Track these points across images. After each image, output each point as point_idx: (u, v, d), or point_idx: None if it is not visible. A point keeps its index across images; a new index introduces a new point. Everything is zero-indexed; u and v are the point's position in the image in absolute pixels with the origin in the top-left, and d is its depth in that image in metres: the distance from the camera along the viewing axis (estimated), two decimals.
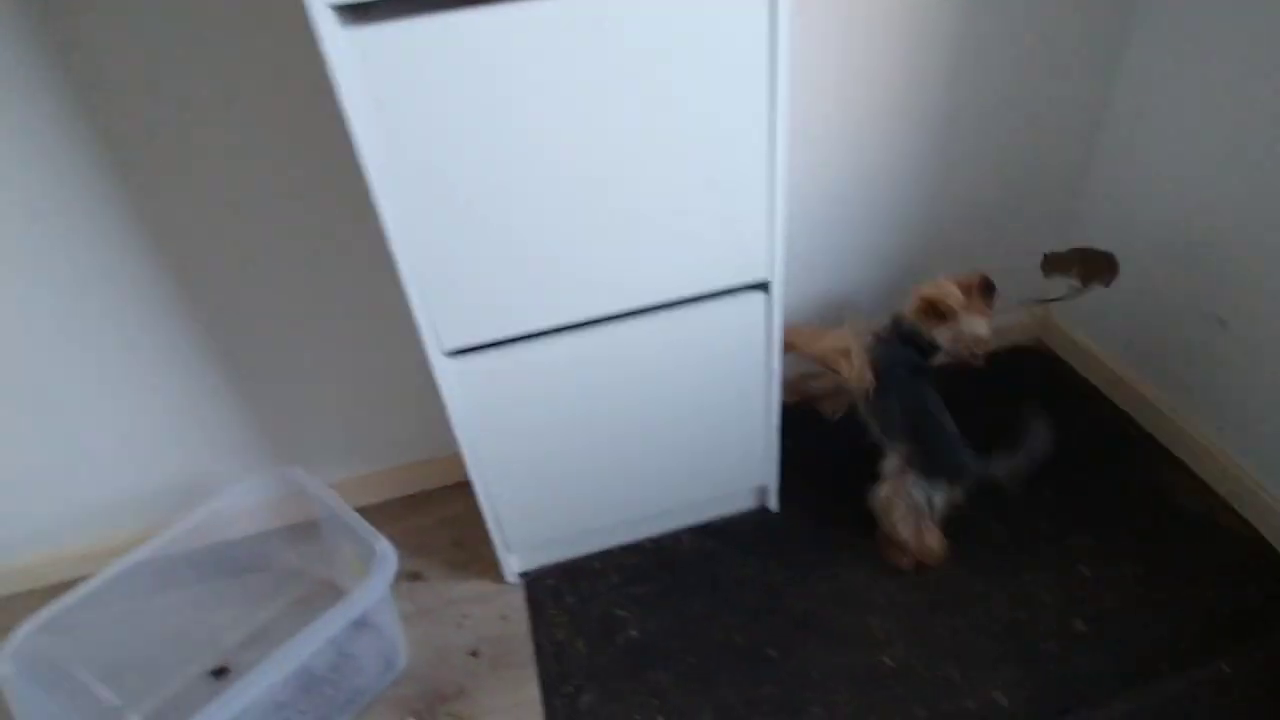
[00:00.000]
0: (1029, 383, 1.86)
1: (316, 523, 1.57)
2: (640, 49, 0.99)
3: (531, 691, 1.34)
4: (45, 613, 1.26)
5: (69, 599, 1.28)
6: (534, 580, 1.52)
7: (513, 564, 1.52)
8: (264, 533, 1.63)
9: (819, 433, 1.76)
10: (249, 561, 1.62)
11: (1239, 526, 1.47)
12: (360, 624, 1.43)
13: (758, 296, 1.26)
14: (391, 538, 1.61)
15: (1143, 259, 1.62)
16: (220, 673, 1.43)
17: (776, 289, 1.26)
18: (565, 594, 1.48)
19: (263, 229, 1.32)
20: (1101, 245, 1.72)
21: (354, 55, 0.90)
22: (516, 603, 1.48)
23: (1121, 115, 1.59)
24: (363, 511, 1.67)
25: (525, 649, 1.40)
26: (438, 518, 1.66)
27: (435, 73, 0.94)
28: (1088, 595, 1.38)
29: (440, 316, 1.13)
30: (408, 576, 1.55)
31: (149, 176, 1.23)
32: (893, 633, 1.36)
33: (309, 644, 1.17)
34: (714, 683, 1.32)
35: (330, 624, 1.19)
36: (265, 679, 1.11)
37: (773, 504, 1.59)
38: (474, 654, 1.40)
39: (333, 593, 1.56)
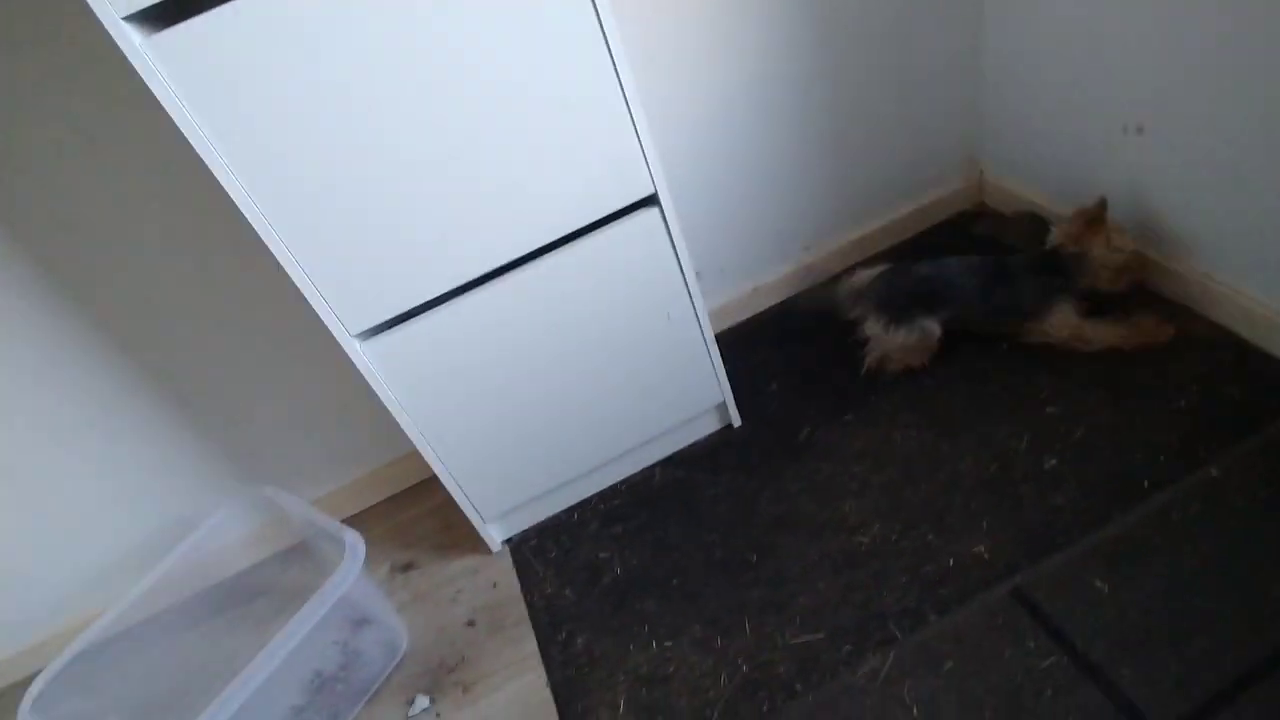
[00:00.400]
0: (975, 245, 1.82)
1: (305, 541, 1.62)
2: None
3: (529, 646, 1.36)
4: (58, 662, 1.33)
5: (76, 646, 1.34)
6: (518, 544, 1.54)
7: (494, 534, 1.54)
8: (259, 563, 1.68)
9: (763, 344, 1.76)
10: (254, 588, 1.67)
11: (1208, 330, 1.42)
12: (360, 622, 1.47)
13: (649, 211, 1.26)
14: (381, 536, 1.68)
15: (1055, 89, 1.58)
16: None
17: (666, 199, 1.25)
18: (549, 550, 1.51)
19: (170, 265, 1.36)
20: (1015, 89, 1.69)
21: (162, 61, 0.92)
22: (505, 568, 1.51)
23: None
24: (351, 520, 1.73)
25: (518, 609, 1.43)
26: (425, 508, 1.70)
27: (254, 62, 0.96)
28: (1058, 432, 1.36)
29: (338, 301, 1.15)
30: (400, 569, 1.59)
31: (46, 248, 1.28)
32: (867, 513, 1.35)
33: (291, 639, 1.21)
34: (700, 598, 1.33)
35: (305, 619, 1.22)
36: (253, 679, 1.15)
37: (735, 420, 1.59)
38: (471, 624, 1.43)
39: (338, 600, 1.60)
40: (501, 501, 1.49)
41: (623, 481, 1.58)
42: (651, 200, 1.25)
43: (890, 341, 1.50)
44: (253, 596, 1.66)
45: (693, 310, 1.39)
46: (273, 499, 1.51)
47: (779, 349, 1.74)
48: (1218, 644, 1.04)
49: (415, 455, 1.38)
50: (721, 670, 1.22)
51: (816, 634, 1.22)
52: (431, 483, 1.74)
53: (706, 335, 1.43)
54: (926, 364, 1.53)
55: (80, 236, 1.29)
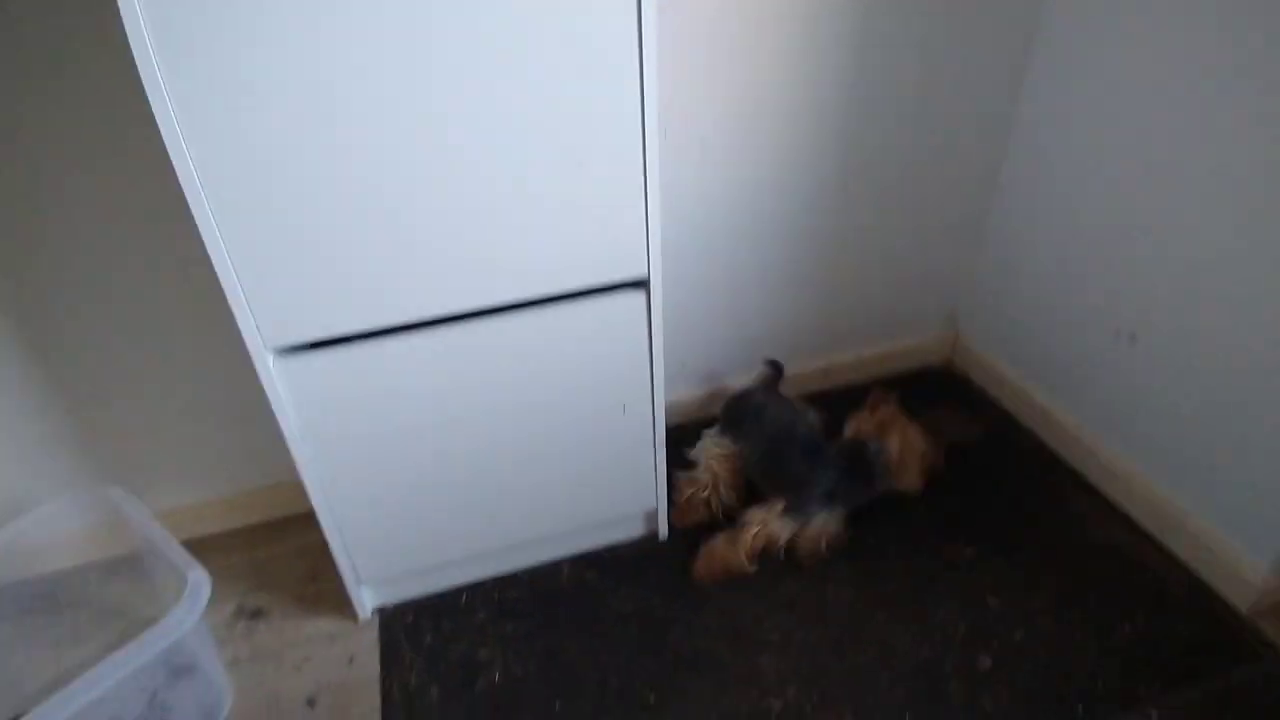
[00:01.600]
0: (939, 396, 1.78)
1: (139, 554, 1.37)
2: (487, 19, 0.87)
3: None
4: None
5: None
6: (391, 618, 1.34)
7: (366, 599, 1.34)
8: (82, 566, 1.43)
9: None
10: (64, 597, 1.41)
11: (1160, 559, 1.38)
12: (180, 670, 1.23)
13: (636, 295, 1.14)
14: (232, 570, 1.44)
15: (1052, 276, 1.56)
16: None
17: (656, 288, 1.14)
18: (425, 632, 1.31)
19: (62, 213, 1.16)
20: (1012, 265, 1.67)
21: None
22: (368, 643, 1.30)
23: (1025, 132, 1.55)
24: (203, 541, 1.49)
25: (370, 698, 1.22)
26: (291, 547, 1.48)
27: (237, 25, 0.81)
28: (998, 630, 1.27)
29: (263, 307, 0.98)
30: (248, 614, 1.36)
31: None
32: (786, 673, 1.22)
33: (88, 689, 0.98)
34: None
35: (120, 664, 1.00)
36: None
37: (662, 531, 1.45)
38: (310, 703, 1.22)
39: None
40: (385, 564, 1.30)
41: (526, 570, 1.41)
42: (641, 284, 1.14)
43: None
44: (63, 606, 1.40)
45: (651, 409, 1.26)
46: (116, 503, 1.27)
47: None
48: None
49: (293, 486, 1.19)
50: None
51: None
52: (305, 520, 1.51)
53: (657, 438, 1.31)
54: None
55: None
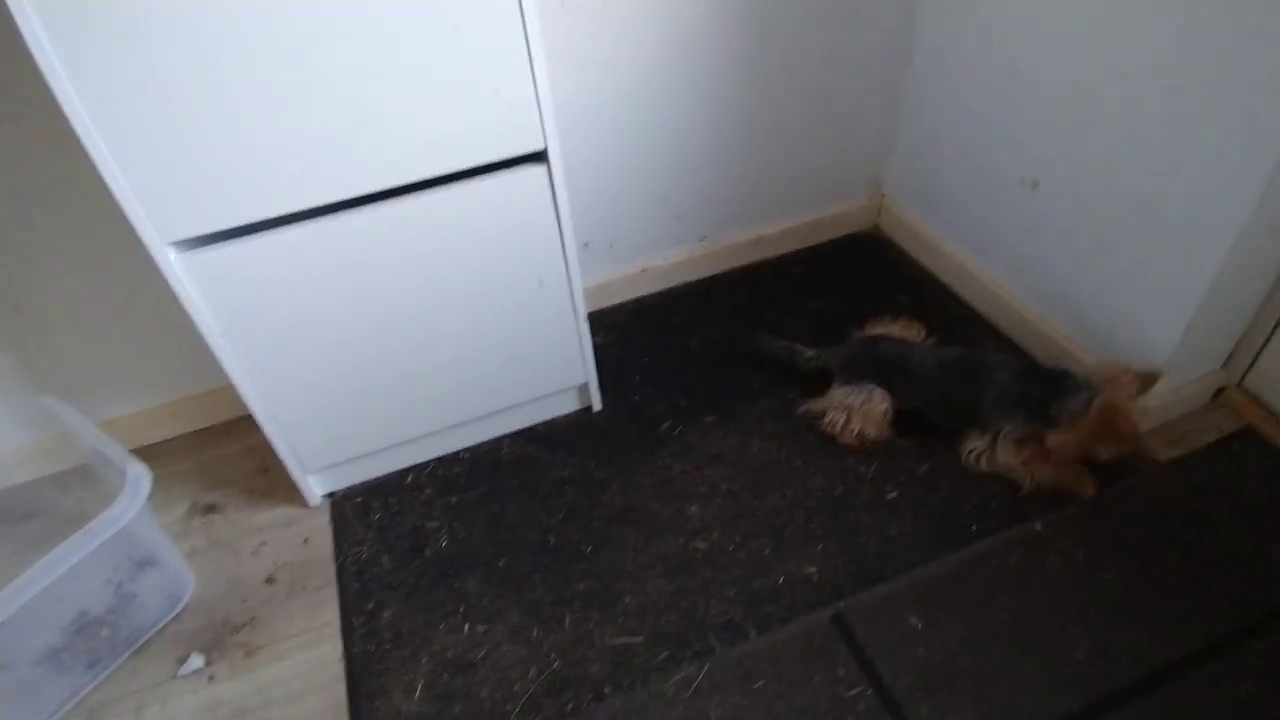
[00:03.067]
0: (865, 262, 1.83)
1: (89, 464, 1.42)
2: None
3: (330, 613, 1.24)
4: None
5: None
6: (341, 501, 1.41)
7: (316, 486, 1.41)
8: (35, 481, 1.47)
9: (641, 328, 1.70)
10: (22, 509, 1.46)
11: None
12: (142, 563, 1.30)
13: (536, 169, 1.16)
14: (185, 472, 1.50)
15: (964, 132, 1.59)
16: None
17: (556, 160, 1.15)
18: (374, 511, 1.39)
19: None
20: (928, 124, 1.68)
21: None
22: (320, 525, 1.38)
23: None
24: (152, 449, 1.54)
25: (326, 571, 1.31)
26: (241, 447, 1.53)
27: None
28: (905, 465, 1.37)
29: (151, 198, 0.98)
30: (201, 510, 1.43)
31: None
32: (710, 519, 1.32)
33: (41, 577, 1.05)
34: (525, 584, 1.25)
35: (67, 554, 1.07)
36: None
37: (596, 403, 1.52)
38: (270, 581, 1.30)
39: (118, 536, 1.42)
40: (328, 453, 1.36)
41: (467, 450, 1.48)
42: (539, 157, 1.15)
43: (839, 401, 1.40)
44: (21, 518, 1.45)
45: (568, 282, 1.30)
46: (55, 412, 1.31)
47: (656, 335, 1.68)
48: (1015, 697, 1.07)
49: (234, 389, 1.22)
50: (532, 663, 1.15)
51: (636, 637, 1.17)
52: (249, 421, 1.57)
53: (579, 311, 1.35)
54: (882, 437, 1.38)
55: None
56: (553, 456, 1.45)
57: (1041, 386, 1.27)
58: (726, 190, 1.73)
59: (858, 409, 1.37)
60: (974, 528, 1.27)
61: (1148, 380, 1.26)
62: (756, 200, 1.79)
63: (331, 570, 1.30)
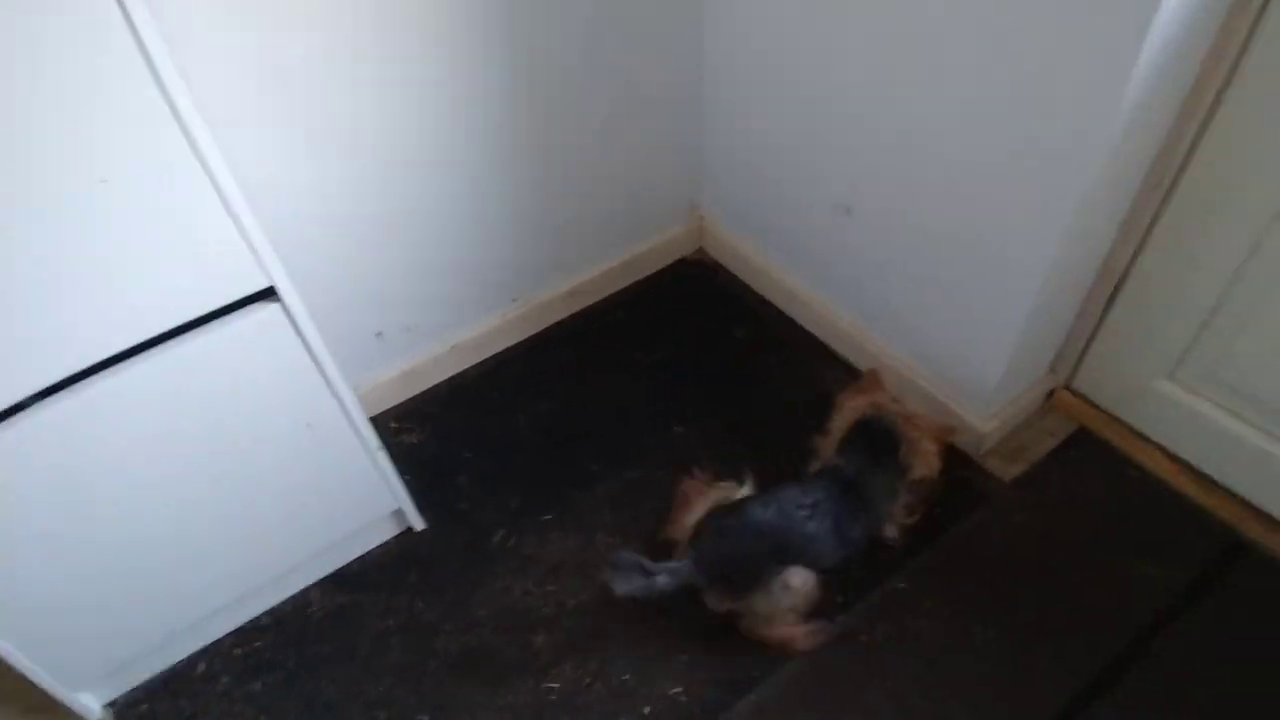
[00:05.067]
0: (693, 295, 1.71)
1: None
2: None
3: None
4: None
5: None
6: (123, 711, 1.16)
7: (90, 701, 1.14)
8: None
9: (460, 413, 1.51)
10: None
11: None
12: None
13: (268, 307, 0.94)
14: None
15: (773, 152, 1.48)
16: None
17: (289, 291, 0.94)
18: (163, 718, 1.14)
19: None
20: (736, 144, 1.57)
21: None
22: None
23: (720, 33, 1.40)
24: None
25: None
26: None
27: None
28: None
29: None
30: None
31: None
32: (560, 649, 1.17)
33: None
34: None
35: None
36: None
37: (416, 523, 1.33)
38: None
39: None
40: (95, 662, 1.11)
41: (268, 613, 1.25)
42: (269, 294, 0.93)
43: (766, 611, 1.09)
44: None
45: (344, 416, 1.09)
46: None
47: (478, 418, 1.50)
48: None
49: None
50: None
51: None
52: None
53: (367, 441, 1.15)
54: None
55: None
56: (373, 601, 1.25)
57: (882, 456, 1.14)
58: (529, 244, 1.56)
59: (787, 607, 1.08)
60: (839, 600, 1.19)
61: (945, 432, 1.19)
62: (566, 247, 1.62)
63: None
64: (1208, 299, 1.13)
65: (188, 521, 1.05)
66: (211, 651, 1.21)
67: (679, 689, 1.11)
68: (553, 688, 1.13)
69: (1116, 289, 1.24)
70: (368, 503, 1.23)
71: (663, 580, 1.03)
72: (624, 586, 1.03)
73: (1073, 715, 1.05)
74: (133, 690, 1.18)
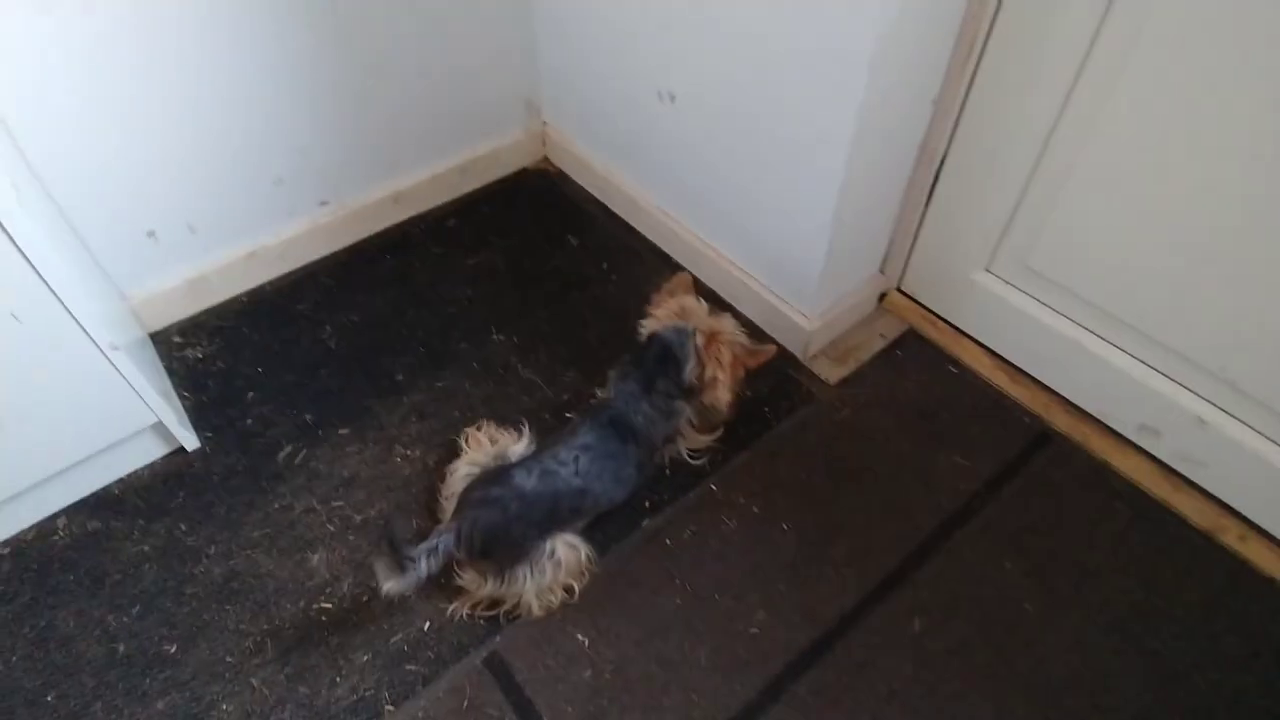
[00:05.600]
0: (533, 205, 1.59)
1: None
2: None
3: None
4: None
5: None
6: None
7: None
8: None
9: (259, 327, 1.37)
10: None
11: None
12: None
13: None
14: None
15: (600, 42, 1.37)
16: None
17: None
18: None
19: None
20: (567, 36, 1.45)
21: None
22: None
23: None
24: None
25: None
26: None
27: None
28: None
29: None
30: None
31: None
32: (338, 566, 1.06)
33: None
34: None
35: None
36: None
37: (189, 442, 1.18)
38: None
39: None
40: None
41: (5, 543, 1.09)
42: None
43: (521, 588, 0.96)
44: None
45: (56, 302, 0.93)
46: None
47: (277, 333, 1.35)
48: (687, 701, 0.94)
49: None
50: None
51: None
52: None
53: (94, 336, 0.99)
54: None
55: None
56: (129, 527, 1.11)
57: (657, 379, 1.05)
58: (340, 140, 1.40)
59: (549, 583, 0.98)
60: (647, 503, 1.12)
61: (750, 355, 1.08)
62: (388, 148, 1.48)
63: None
64: (1018, 181, 1.09)
65: None
66: None
67: (458, 603, 1.02)
68: (325, 608, 1.02)
69: (936, 179, 1.19)
70: (116, 415, 1.08)
71: (425, 566, 0.89)
72: (393, 586, 0.87)
73: (868, 605, 1.01)
74: None
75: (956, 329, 1.30)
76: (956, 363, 1.28)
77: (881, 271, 1.35)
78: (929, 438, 1.18)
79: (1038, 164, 1.06)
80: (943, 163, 1.17)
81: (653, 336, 1.06)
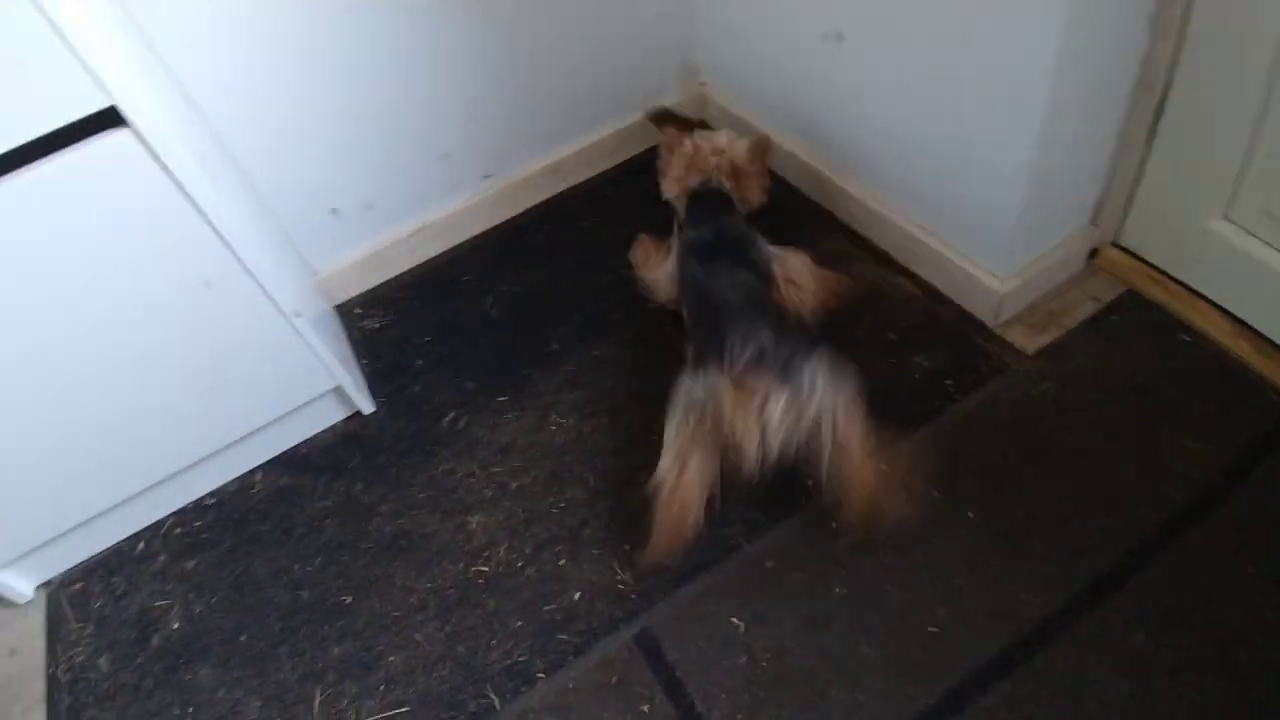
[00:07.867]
0: None
1: None
2: None
3: None
4: None
5: None
6: (57, 590, 1.14)
7: (20, 580, 1.13)
8: None
9: (427, 299, 1.41)
10: None
11: (913, 287, 1.22)
12: None
13: (116, 135, 0.84)
14: None
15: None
16: None
17: (139, 114, 0.83)
18: (95, 597, 1.12)
19: None
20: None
21: None
22: (31, 628, 1.11)
23: None
24: None
25: (36, 687, 1.05)
26: None
27: None
28: None
29: None
30: None
31: None
32: (496, 531, 1.07)
33: None
34: (269, 661, 1.01)
35: None
36: None
37: (365, 406, 1.25)
38: None
39: None
40: (24, 536, 1.08)
41: (212, 494, 1.21)
42: (112, 117, 0.83)
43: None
44: None
45: (244, 272, 1.00)
46: None
47: (443, 304, 1.39)
48: (854, 699, 0.85)
49: None
50: None
51: (400, 708, 0.94)
52: None
53: (282, 305, 1.05)
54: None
55: None
56: (314, 484, 1.18)
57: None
58: (500, 115, 1.42)
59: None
60: (810, 482, 1.03)
61: (758, 147, 1.18)
62: (545, 118, 1.48)
63: (41, 686, 1.04)
64: (1256, 107, 0.88)
65: (90, 390, 1.00)
66: (153, 531, 1.18)
67: (620, 574, 0.99)
68: (483, 571, 1.03)
69: (1160, 109, 0.99)
70: (300, 378, 1.15)
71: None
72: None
73: (1075, 610, 0.86)
74: (68, 570, 1.16)
75: (1189, 289, 1.09)
76: (1188, 328, 1.07)
77: (1093, 223, 1.16)
78: (1153, 417, 1.00)
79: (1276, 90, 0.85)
80: (1167, 90, 0.97)
81: (695, 192, 1.15)
